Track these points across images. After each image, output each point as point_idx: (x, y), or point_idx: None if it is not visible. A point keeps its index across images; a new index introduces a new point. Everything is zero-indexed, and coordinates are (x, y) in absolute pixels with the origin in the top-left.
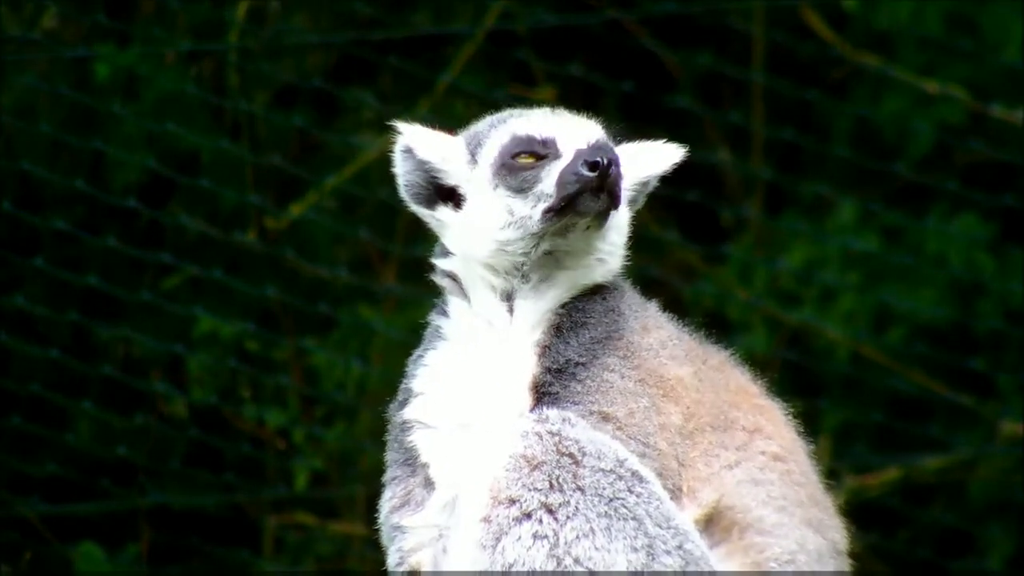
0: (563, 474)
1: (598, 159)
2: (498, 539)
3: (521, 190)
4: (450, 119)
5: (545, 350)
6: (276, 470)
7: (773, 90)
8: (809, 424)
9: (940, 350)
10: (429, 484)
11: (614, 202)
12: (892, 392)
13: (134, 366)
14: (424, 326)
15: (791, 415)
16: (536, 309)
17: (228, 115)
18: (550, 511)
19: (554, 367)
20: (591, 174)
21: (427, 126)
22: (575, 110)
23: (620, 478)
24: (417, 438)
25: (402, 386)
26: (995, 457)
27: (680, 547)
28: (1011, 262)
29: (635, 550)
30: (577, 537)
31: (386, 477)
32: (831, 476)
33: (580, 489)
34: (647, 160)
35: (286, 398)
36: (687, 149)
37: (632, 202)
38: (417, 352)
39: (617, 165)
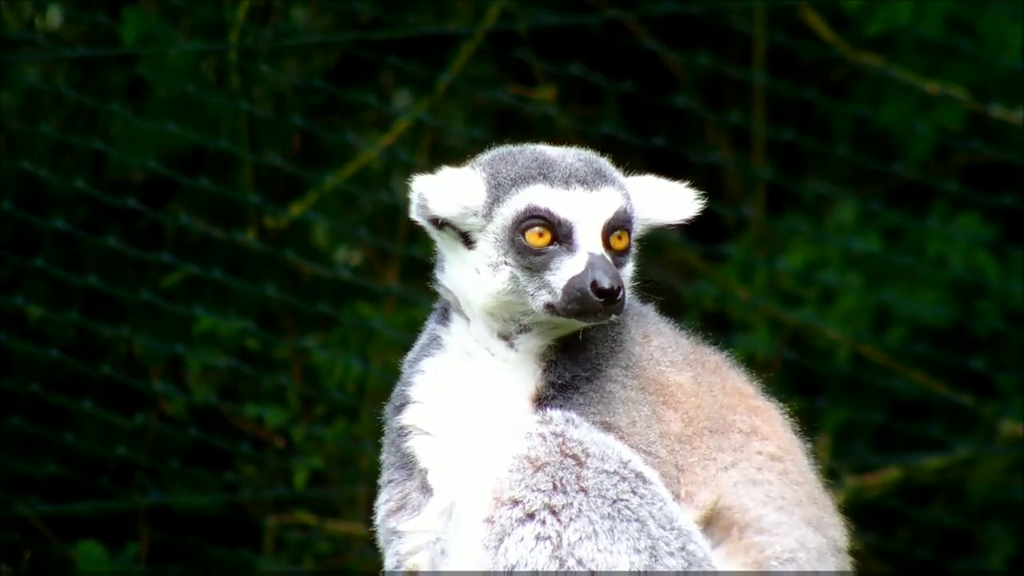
0: (566, 475)
1: (608, 286)
2: (501, 540)
3: (529, 269)
4: (449, 119)
5: (551, 365)
6: (276, 470)
7: (773, 90)
8: (809, 424)
9: (940, 350)
10: (426, 488)
11: (619, 312)
12: (892, 392)
13: (134, 366)
14: (422, 325)
15: (789, 415)
16: (537, 345)
17: (228, 114)
18: (553, 512)
19: (559, 382)
20: (599, 300)
21: (447, 163)
22: (576, 109)
23: (624, 479)
24: (415, 444)
25: (397, 390)
26: (995, 457)
27: (683, 548)
28: (1012, 262)
29: (638, 551)
30: (580, 539)
31: (382, 480)
32: (831, 476)
33: (583, 490)
34: (663, 207)
35: (286, 397)
36: (704, 195)
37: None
38: (413, 355)
39: (623, 288)
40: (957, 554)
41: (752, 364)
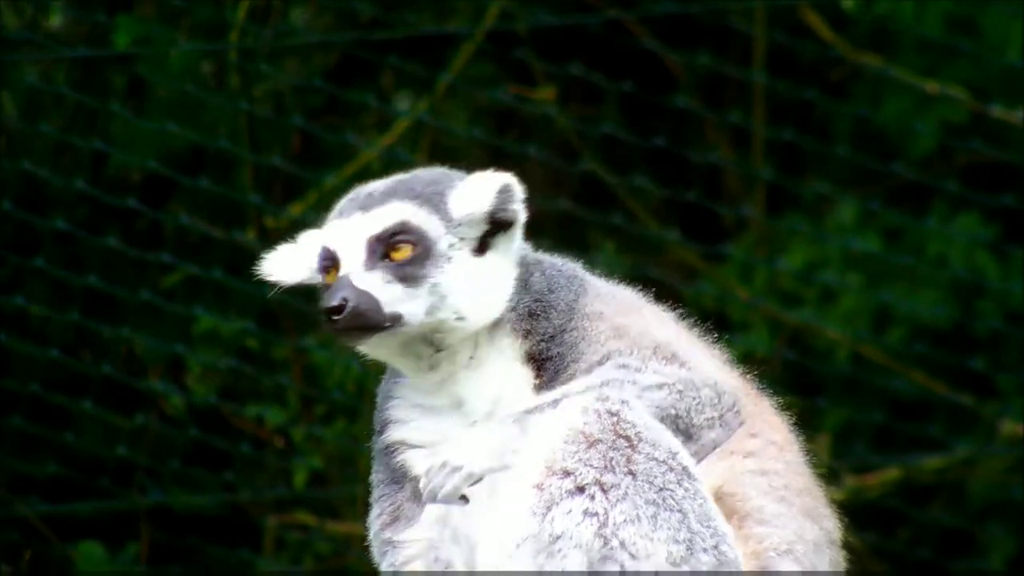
0: (617, 456)
1: (324, 305)
2: (548, 508)
3: None
4: (449, 119)
5: (527, 333)
6: (276, 469)
7: (773, 90)
8: (809, 424)
9: (940, 350)
10: (418, 497)
11: (382, 327)
12: (892, 392)
13: (134, 366)
14: None
15: (789, 415)
16: (465, 356)
17: (228, 114)
18: (603, 490)
19: (546, 336)
20: (325, 319)
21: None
22: (576, 109)
23: (671, 470)
24: (407, 456)
25: (376, 416)
26: (995, 457)
27: (716, 547)
28: (1012, 262)
29: (677, 542)
30: (625, 520)
31: (373, 497)
32: (831, 476)
33: (632, 473)
34: (466, 198)
35: (286, 397)
36: (513, 176)
37: (495, 237)
38: (384, 383)
39: (348, 302)
40: (957, 554)
41: (752, 364)
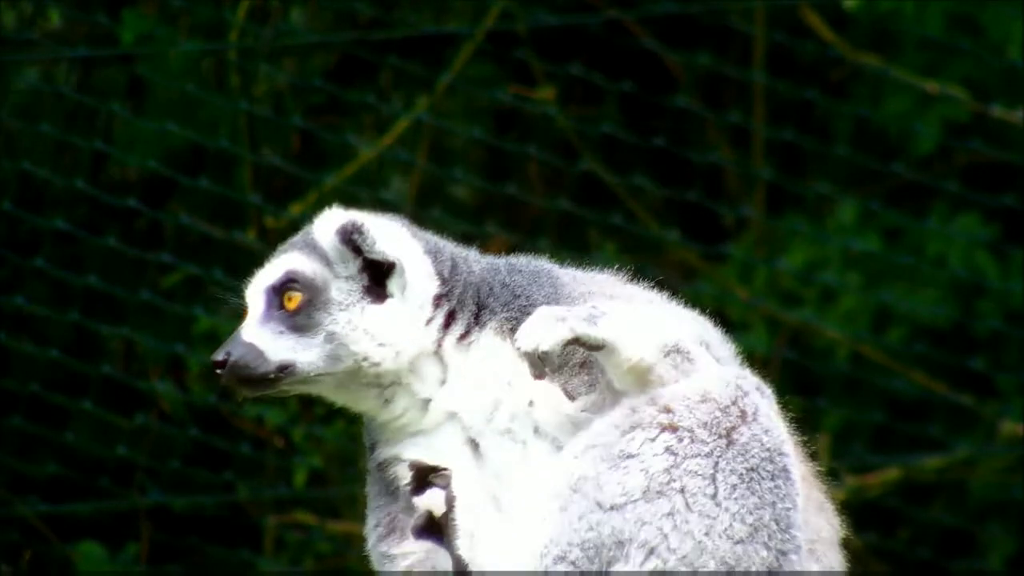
0: (723, 420)
1: (212, 359)
2: (633, 428)
3: None
4: (449, 119)
5: (512, 331)
6: (276, 469)
7: (773, 90)
8: (809, 424)
9: (940, 350)
10: (410, 510)
11: (267, 377)
12: (892, 392)
13: (134, 366)
14: None
15: (781, 410)
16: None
17: (228, 115)
18: (692, 440)
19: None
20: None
21: None
22: (576, 109)
23: (771, 461)
24: (400, 469)
25: (365, 435)
26: (995, 457)
27: (783, 552)
28: (1012, 262)
29: (743, 522)
30: (697, 474)
31: (368, 508)
32: (831, 476)
33: (729, 441)
34: (318, 233)
35: (285, 397)
36: (367, 216)
37: (390, 281)
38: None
39: (231, 356)
40: (957, 554)
41: (752, 364)
